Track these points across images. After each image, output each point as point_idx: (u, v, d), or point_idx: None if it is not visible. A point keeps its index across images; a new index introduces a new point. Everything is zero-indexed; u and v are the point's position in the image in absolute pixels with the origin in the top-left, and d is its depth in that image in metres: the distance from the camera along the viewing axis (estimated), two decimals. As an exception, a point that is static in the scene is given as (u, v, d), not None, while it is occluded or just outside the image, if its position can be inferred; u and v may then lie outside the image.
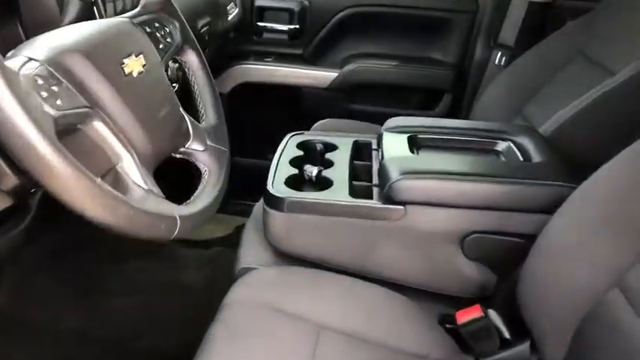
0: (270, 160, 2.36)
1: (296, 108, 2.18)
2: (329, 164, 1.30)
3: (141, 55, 0.73)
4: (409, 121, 1.40)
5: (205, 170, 0.83)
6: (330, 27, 2.13)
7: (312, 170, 1.33)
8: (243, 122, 2.25)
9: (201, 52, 0.91)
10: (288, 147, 1.38)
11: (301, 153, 1.35)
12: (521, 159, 1.21)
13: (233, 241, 2.04)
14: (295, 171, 1.25)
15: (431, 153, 1.26)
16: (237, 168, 2.34)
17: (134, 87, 0.69)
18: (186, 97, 0.94)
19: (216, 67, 2.09)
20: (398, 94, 2.15)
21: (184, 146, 0.82)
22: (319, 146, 1.42)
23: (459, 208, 1.09)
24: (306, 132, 1.48)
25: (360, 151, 1.40)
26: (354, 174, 1.26)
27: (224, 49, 2.07)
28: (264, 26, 2.16)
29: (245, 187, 2.31)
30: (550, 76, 1.73)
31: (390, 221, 1.10)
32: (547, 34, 1.85)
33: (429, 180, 1.08)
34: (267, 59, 2.18)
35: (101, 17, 1.03)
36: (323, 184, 1.22)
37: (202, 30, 1.72)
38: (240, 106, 2.21)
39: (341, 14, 2.11)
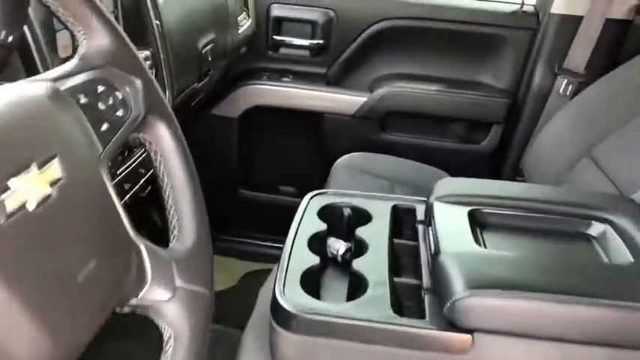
0: (282, 194, 2.06)
1: (317, 138, 1.86)
2: (361, 246, 0.97)
3: (54, 161, 0.41)
4: (465, 187, 1.07)
5: (169, 335, 0.50)
6: (360, 42, 1.80)
7: (337, 247, 1.01)
8: (254, 151, 1.94)
9: (177, 126, 0.59)
10: (308, 217, 1.05)
11: (324, 227, 1.02)
12: (631, 258, 0.87)
13: (240, 299, 1.72)
14: (316, 260, 0.92)
15: (503, 241, 0.93)
16: (245, 202, 2.04)
17: (26, 235, 0.37)
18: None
19: (224, 86, 1.77)
20: (438, 123, 1.81)
21: (136, 296, 0.50)
22: (347, 212, 1.09)
23: (552, 341, 0.75)
24: (329, 190, 1.15)
25: (402, 223, 1.07)
26: (396, 264, 0.94)
27: (233, 66, 1.75)
28: (282, 40, 1.84)
29: (253, 225, 2.01)
30: (629, 112, 1.39)
31: (450, 354, 0.77)
32: (625, 60, 1.52)
33: (509, 299, 0.75)
34: (283, 79, 1.86)
35: (45, 66, 0.71)
36: (354, 282, 0.89)
37: (205, 50, 1.40)
38: (250, 132, 1.89)
39: (373, 28, 1.77)
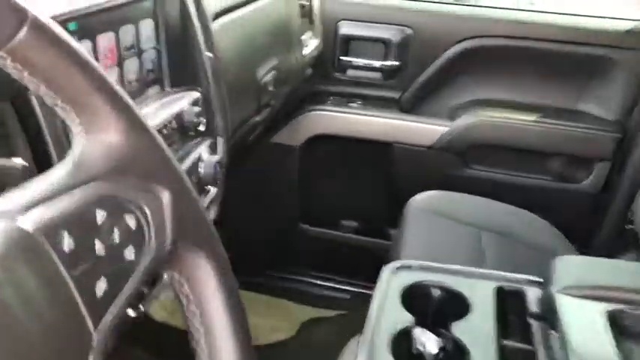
0: (345, 231, 1.84)
1: (387, 171, 1.64)
2: (460, 350, 0.75)
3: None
4: (596, 272, 0.83)
5: None
6: (440, 64, 1.57)
7: (425, 342, 0.79)
8: (316, 183, 1.74)
9: (224, 258, 0.39)
10: (389, 303, 0.83)
11: (409, 319, 0.80)
12: None
13: (299, 355, 1.53)
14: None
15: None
16: (304, 238, 1.84)
17: None
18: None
19: (285, 113, 1.58)
20: (531, 158, 1.55)
21: None
22: (437, 293, 0.87)
23: None
24: (414, 263, 0.93)
25: (509, 314, 0.84)
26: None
27: (296, 91, 1.55)
28: (350, 61, 1.63)
29: (313, 263, 1.81)
30: None
31: None
32: None
33: None
34: (351, 104, 1.65)
35: (59, 145, 0.54)
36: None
37: (265, 79, 1.21)
38: (312, 162, 1.69)
39: (456, 47, 1.54)
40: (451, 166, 1.57)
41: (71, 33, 0.62)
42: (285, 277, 1.81)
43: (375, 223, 1.71)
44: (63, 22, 0.60)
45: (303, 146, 1.66)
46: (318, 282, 1.81)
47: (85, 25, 0.64)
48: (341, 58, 1.63)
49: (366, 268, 1.80)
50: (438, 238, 1.33)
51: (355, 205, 1.73)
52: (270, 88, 1.25)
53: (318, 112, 1.63)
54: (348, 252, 1.75)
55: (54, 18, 0.57)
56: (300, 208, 1.75)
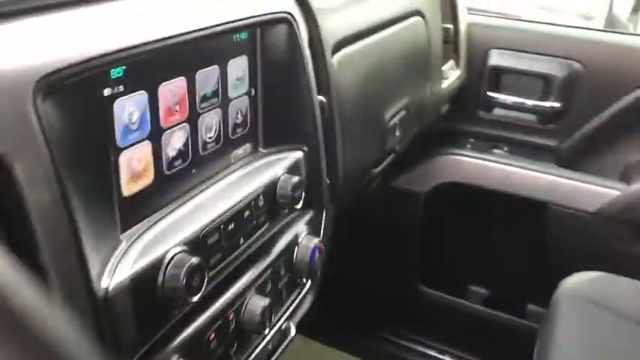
0: (472, 299, 1.53)
1: (536, 237, 1.33)
2: None
3: None
4: None
5: None
6: (617, 111, 1.25)
7: None
8: (442, 240, 1.47)
9: None
10: None
11: None
12: None
13: None
14: None
15: None
16: (423, 301, 1.56)
17: None
18: None
19: (412, 155, 1.33)
20: None
21: None
22: None
23: None
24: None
25: None
26: None
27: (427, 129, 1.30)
28: (498, 98, 1.34)
29: (430, 332, 1.52)
30: None
31: None
32: None
33: None
34: (495, 150, 1.37)
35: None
36: None
37: (393, 122, 0.97)
38: (440, 216, 1.43)
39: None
40: (621, 240, 1.23)
41: (115, 82, 0.42)
42: (396, 342, 1.55)
43: (511, 296, 1.41)
44: (101, 65, 0.40)
45: (430, 194, 1.40)
46: (434, 354, 1.53)
47: (139, 69, 0.44)
48: (488, 93, 1.35)
49: (495, 348, 1.50)
50: (599, 340, 1.02)
51: (488, 270, 1.44)
52: (398, 133, 1.01)
53: (453, 157, 1.36)
54: (473, 324, 1.46)
55: (88, 60, 0.37)
56: (420, 267, 1.49)
